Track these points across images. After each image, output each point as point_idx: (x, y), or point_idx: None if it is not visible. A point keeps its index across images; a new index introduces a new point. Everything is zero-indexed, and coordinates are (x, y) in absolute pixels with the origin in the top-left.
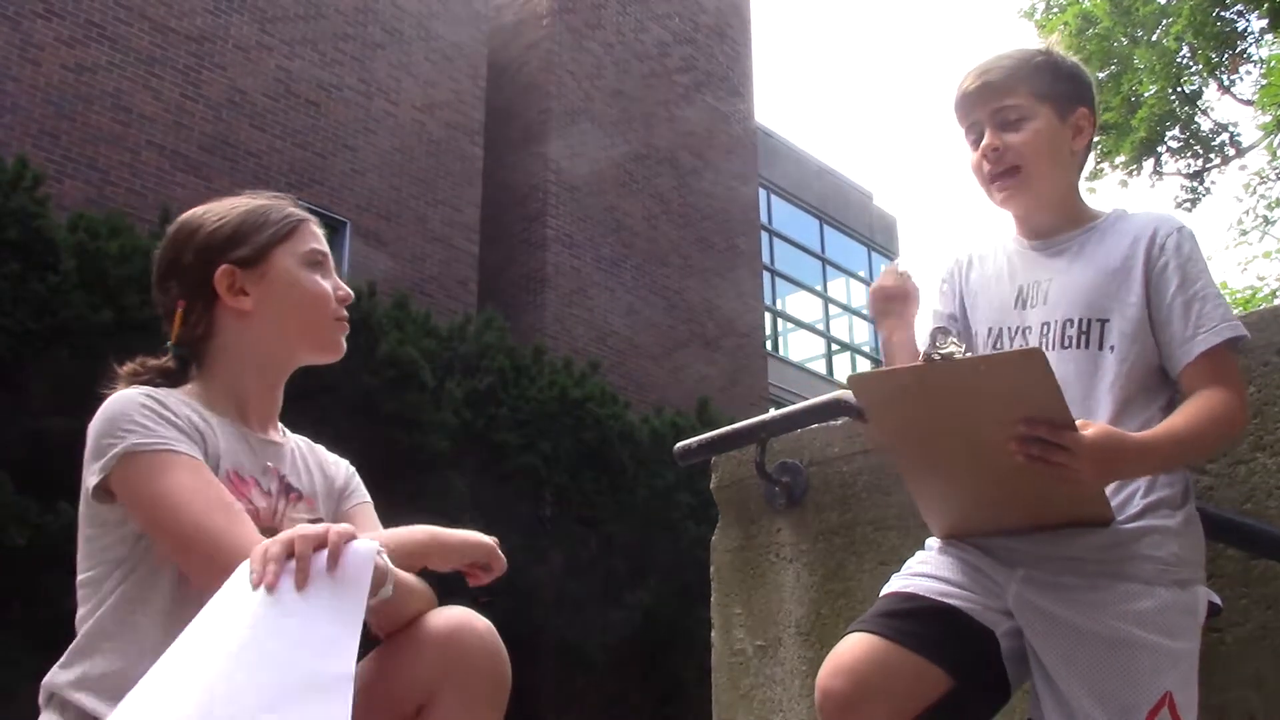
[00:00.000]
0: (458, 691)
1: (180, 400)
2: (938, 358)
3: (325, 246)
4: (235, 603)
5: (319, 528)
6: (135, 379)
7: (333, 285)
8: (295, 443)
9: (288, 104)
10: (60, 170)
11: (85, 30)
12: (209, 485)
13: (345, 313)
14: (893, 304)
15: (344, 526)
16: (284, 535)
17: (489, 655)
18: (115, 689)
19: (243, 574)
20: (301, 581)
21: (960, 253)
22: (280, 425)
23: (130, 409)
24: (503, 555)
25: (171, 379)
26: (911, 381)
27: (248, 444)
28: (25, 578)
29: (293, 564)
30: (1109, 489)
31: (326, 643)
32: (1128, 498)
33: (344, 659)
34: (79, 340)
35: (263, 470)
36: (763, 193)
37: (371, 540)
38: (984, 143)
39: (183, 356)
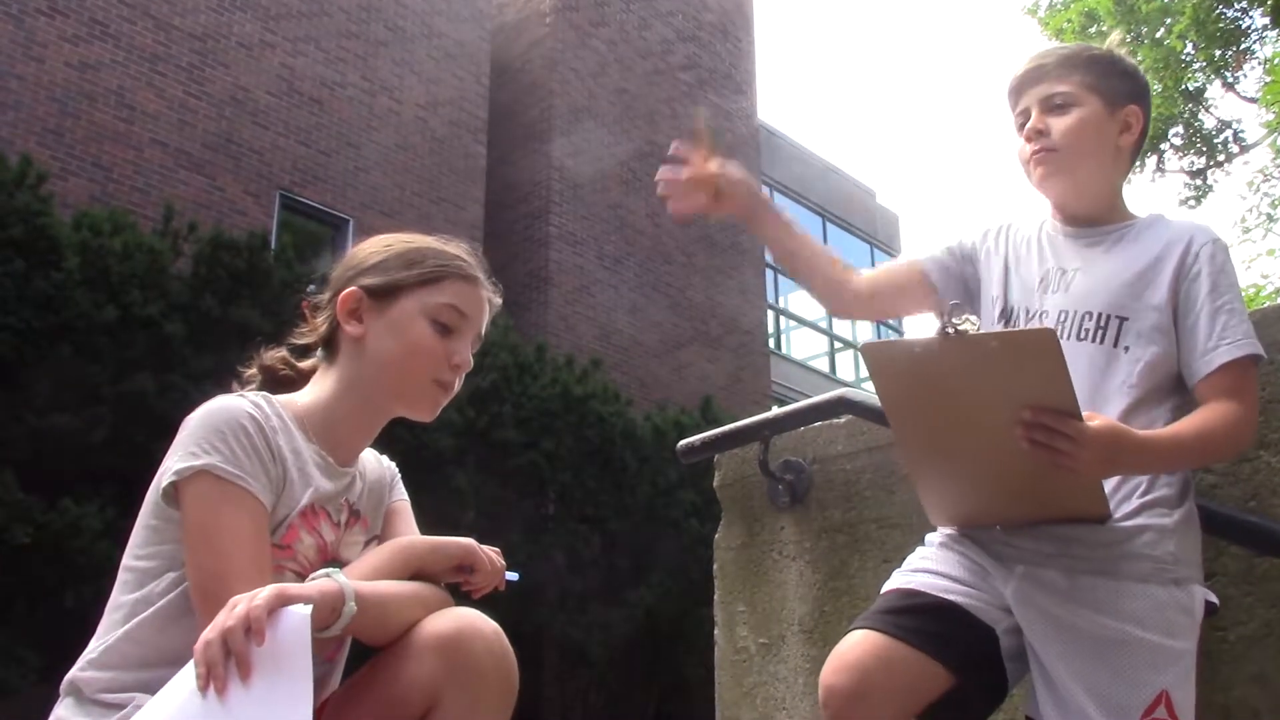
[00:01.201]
0: (463, 695)
1: (281, 421)
2: (952, 332)
3: (470, 309)
4: (182, 706)
5: (241, 611)
6: (264, 373)
7: (451, 349)
8: (361, 462)
9: (291, 102)
10: (64, 168)
11: (89, 28)
12: (259, 539)
13: (451, 379)
14: (735, 187)
15: (266, 593)
16: (216, 630)
17: (495, 658)
18: (148, 687)
19: (189, 674)
20: (244, 674)
21: (994, 224)
22: (359, 460)
23: (229, 425)
24: (489, 556)
25: (290, 386)
26: (923, 353)
27: (329, 477)
28: (29, 576)
29: (227, 658)
30: (1107, 486)
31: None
32: (1125, 495)
33: None
34: (82, 338)
35: (336, 503)
36: (766, 190)
37: (308, 590)
38: (1029, 124)
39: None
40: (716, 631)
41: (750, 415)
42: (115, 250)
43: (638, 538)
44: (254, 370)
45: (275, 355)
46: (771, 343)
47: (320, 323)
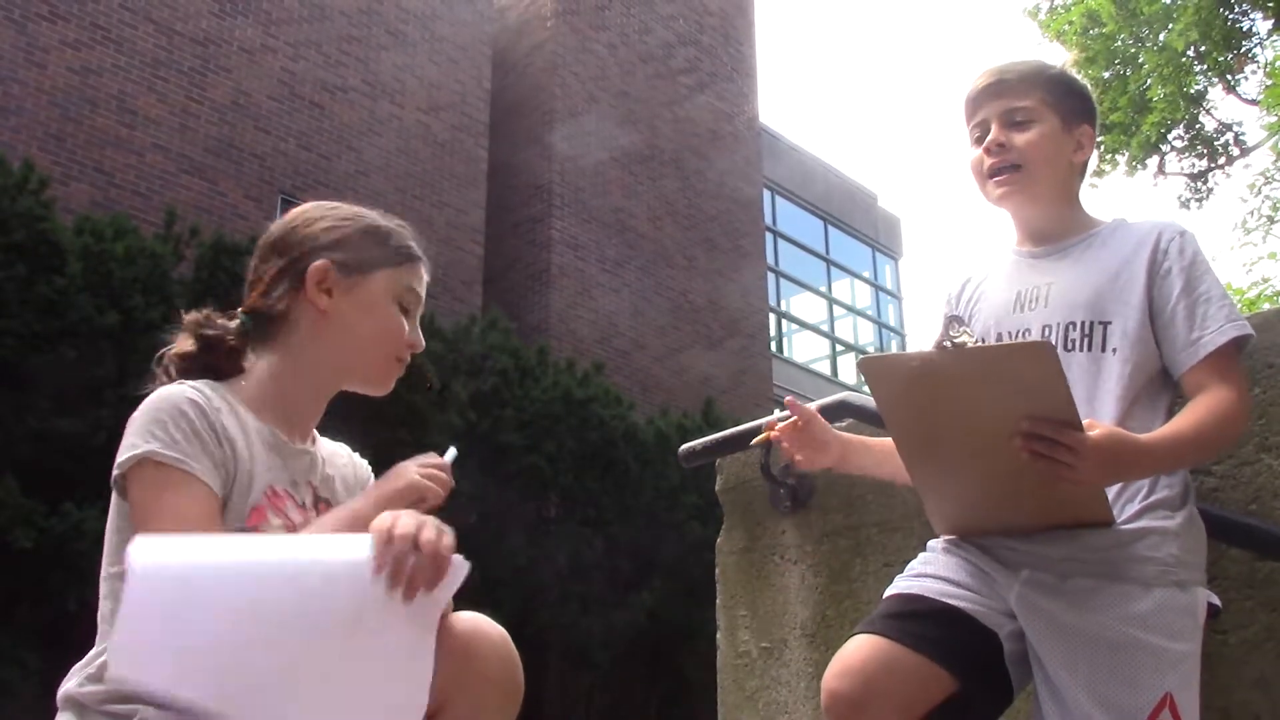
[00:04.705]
0: (471, 698)
1: (226, 403)
2: (949, 345)
3: (423, 291)
4: (354, 565)
5: (431, 531)
6: (200, 342)
7: (409, 329)
8: (323, 448)
9: (292, 106)
10: (66, 173)
11: (90, 33)
12: (204, 521)
13: (408, 357)
14: (813, 435)
15: (448, 538)
16: (410, 522)
17: (502, 661)
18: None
19: (356, 549)
20: (410, 593)
21: (957, 276)
22: (314, 436)
23: (168, 412)
24: (431, 477)
25: (230, 360)
26: (921, 367)
27: (282, 457)
28: (31, 579)
29: (411, 561)
30: (1110, 490)
31: (408, 661)
32: (1128, 499)
33: (421, 685)
34: (85, 342)
35: (296, 484)
36: (767, 193)
37: (461, 557)
38: (989, 138)
39: (246, 332)
40: (718, 635)
41: (752, 418)
42: (117, 255)
43: (640, 540)
44: (186, 337)
45: (216, 326)
46: (773, 345)
47: (279, 297)
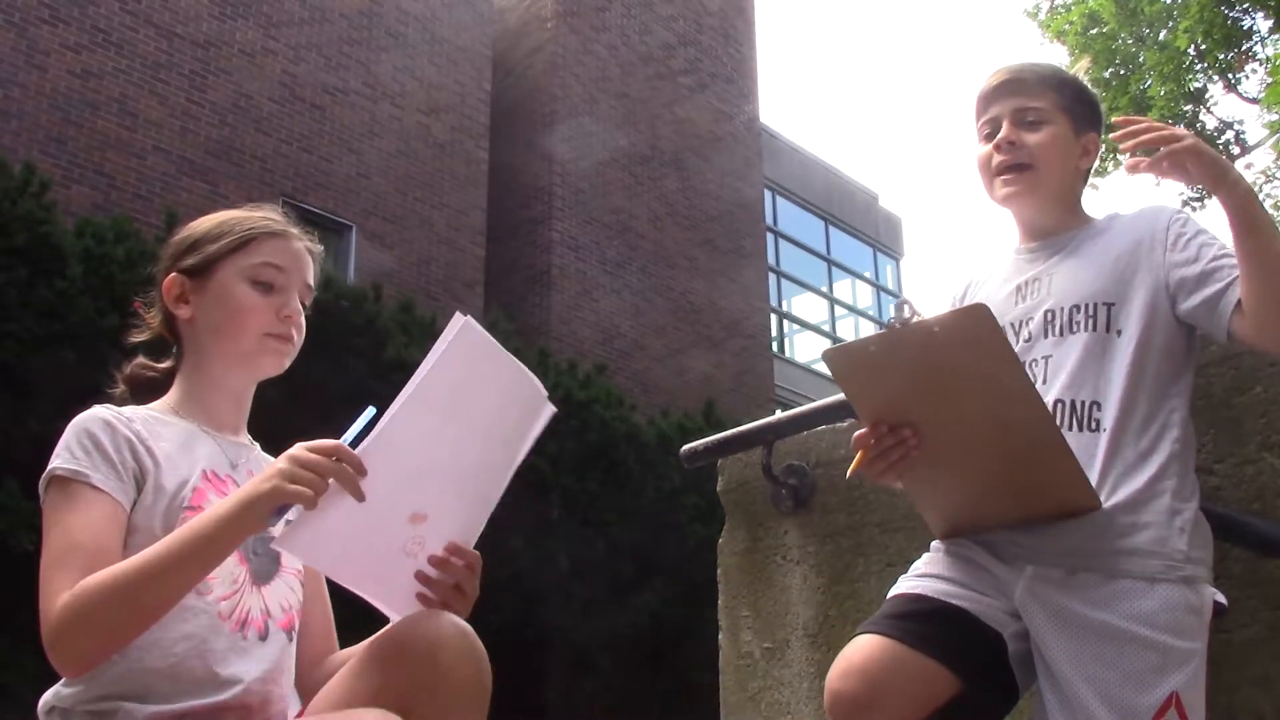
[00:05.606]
0: (440, 702)
1: (151, 415)
2: (899, 324)
3: (286, 261)
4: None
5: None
6: (129, 384)
7: (279, 302)
8: (262, 451)
9: (293, 108)
10: (67, 176)
11: (91, 36)
12: (95, 528)
13: (284, 329)
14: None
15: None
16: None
17: (472, 658)
18: (130, 695)
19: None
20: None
21: (961, 278)
22: (248, 435)
23: (74, 433)
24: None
25: (159, 388)
26: (879, 350)
27: (219, 446)
28: (32, 582)
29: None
30: (1108, 484)
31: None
32: (1126, 489)
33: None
34: (85, 345)
35: (236, 467)
36: (768, 194)
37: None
38: (1001, 135)
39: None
40: (720, 636)
41: (753, 418)
42: (118, 258)
43: (641, 542)
44: (122, 388)
45: (134, 364)
46: (774, 346)
47: (152, 317)
